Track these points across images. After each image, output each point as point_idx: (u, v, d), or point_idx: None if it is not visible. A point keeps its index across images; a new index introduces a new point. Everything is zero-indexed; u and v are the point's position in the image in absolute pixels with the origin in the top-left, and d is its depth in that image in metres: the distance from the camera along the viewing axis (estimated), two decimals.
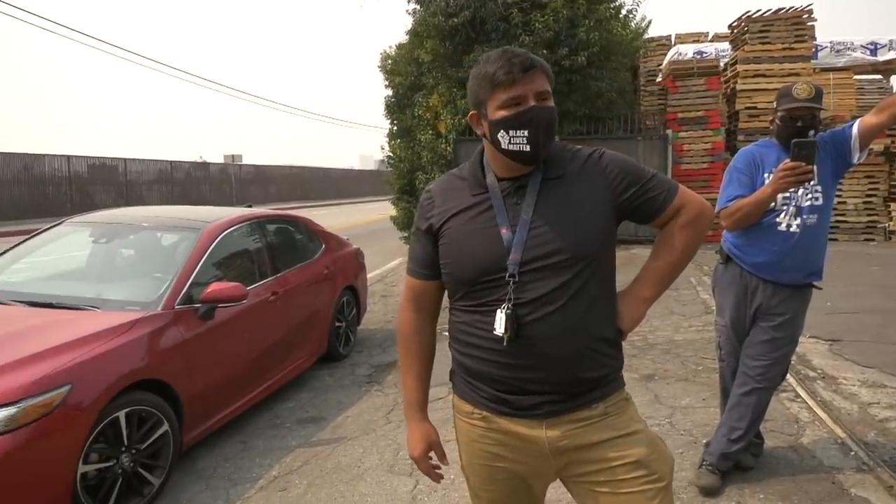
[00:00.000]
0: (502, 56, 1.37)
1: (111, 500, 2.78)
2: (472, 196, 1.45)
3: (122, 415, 2.83)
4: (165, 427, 3.04)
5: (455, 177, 1.52)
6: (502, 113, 1.36)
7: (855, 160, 2.73)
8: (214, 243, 3.86)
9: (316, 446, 3.60)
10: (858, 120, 2.70)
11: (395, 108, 13.45)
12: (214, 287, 3.47)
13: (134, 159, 24.30)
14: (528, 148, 1.35)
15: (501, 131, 1.37)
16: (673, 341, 5.31)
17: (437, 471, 1.60)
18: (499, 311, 1.35)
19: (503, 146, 1.38)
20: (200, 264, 3.66)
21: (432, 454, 1.58)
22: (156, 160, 25.71)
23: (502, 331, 1.34)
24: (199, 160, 29.58)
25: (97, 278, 3.99)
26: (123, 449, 2.85)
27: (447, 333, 1.54)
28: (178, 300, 3.38)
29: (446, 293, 1.55)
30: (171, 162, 26.52)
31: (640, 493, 1.37)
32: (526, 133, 1.34)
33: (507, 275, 1.36)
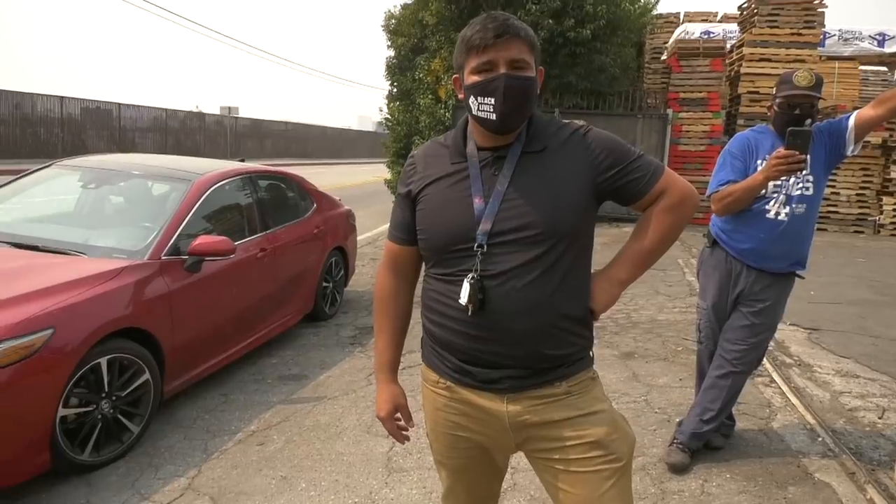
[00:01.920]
0: (482, 20, 1.35)
1: (90, 444, 2.82)
2: (452, 164, 1.44)
3: (103, 361, 2.85)
4: (146, 376, 3.06)
5: (439, 144, 1.52)
6: (474, 78, 1.36)
7: (849, 152, 2.72)
8: (205, 196, 3.84)
9: (296, 403, 3.65)
10: (856, 112, 2.68)
11: (396, 70, 13.28)
12: (202, 240, 3.46)
13: (129, 105, 23.88)
14: (493, 116, 1.34)
15: (472, 97, 1.36)
16: (656, 321, 5.37)
17: (404, 432, 1.62)
18: (465, 280, 1.34)
19: (474, 112, 1.38)
20: (189, 216, 3.64)
21: (399, 415, 1.60)
22: (151, 107, 25.32)
23: (465, 300, 1.33)
24: (195, 110, 29.18)
25: (84, 223, 3.96)
26: (104, 395, 2.87)
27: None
28: (165, 251, 3.37)
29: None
30: (166, 110, 26.13)
31: (595, 473, 1.38)
32: (492, 101, 1.33)
33: (476, 245, 1.34)
